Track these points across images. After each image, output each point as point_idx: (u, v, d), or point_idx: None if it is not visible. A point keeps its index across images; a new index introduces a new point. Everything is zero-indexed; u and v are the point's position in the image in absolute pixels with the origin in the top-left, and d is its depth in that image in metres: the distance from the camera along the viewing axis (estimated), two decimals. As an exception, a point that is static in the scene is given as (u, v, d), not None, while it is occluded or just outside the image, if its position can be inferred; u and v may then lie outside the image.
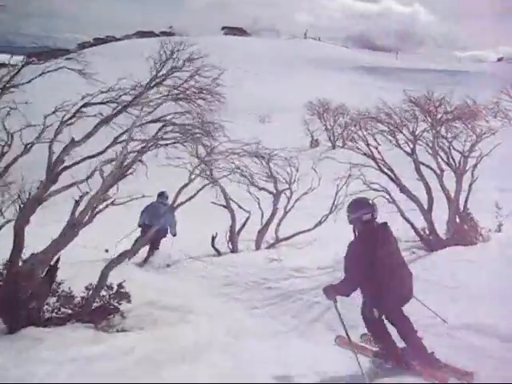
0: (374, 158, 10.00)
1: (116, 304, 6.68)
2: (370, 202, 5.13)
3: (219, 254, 11.25)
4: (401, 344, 5.01)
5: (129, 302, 6.74)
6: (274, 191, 12.54)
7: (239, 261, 10.33)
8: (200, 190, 9.87)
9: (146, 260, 11.08)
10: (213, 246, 11.31)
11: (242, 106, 48.05)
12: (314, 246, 11.30)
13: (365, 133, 10.49)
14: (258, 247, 11.96)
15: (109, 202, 8.04)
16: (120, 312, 6.65)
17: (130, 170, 8.21)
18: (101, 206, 7.91)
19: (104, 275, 6.95)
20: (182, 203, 8.83)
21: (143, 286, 8.66)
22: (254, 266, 9.76)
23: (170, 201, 10.09)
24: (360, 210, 4.98)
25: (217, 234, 11.38)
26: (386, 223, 5.03)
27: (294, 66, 75.67)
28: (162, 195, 11.62)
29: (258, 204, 12.42)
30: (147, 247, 10.95)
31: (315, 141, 33.02)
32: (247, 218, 12.09)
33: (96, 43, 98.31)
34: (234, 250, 11.57)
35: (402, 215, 9.90)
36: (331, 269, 8.93)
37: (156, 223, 9.72)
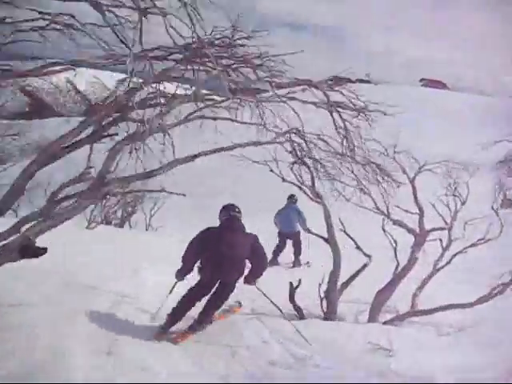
0: None
1: None
2: (236, 209, 6.10)
3: (300, 315, 6.68)
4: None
5: None
6: (417, 229, 7.57)
7: (323, 336, 5.63)
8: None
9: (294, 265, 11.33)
10: (291, 300, 6.72)
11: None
12: (470, 336, 6.09)
13: None
14: (373, 317, 7.07)
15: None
16: None
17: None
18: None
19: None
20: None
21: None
22: (339, 351, 5.07)
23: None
24: (222, 211, 6.15)
25: (300, 281, 6.73)
26: (229, 224, 5.99)
27: (497, 124, 68.24)
28: (291, 198, 11.44)
29: (395, 250, 7.65)
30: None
31: (507, 200, 26.80)
32: (363, 266, 7.27)
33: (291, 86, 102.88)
34: (328, 314, 6.83)
35: None
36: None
37: (287, 228, 11.31)
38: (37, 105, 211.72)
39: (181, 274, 5.87)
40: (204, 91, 5.30)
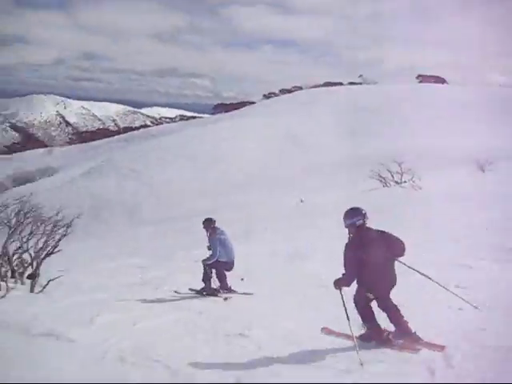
0: None
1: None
2: (363, 211, 6.09)
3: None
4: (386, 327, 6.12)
5: None
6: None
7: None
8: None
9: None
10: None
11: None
12: None
13: None
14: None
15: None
16: None
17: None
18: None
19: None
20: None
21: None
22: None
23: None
24: (355, 217, 6.04)
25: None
26: (370, 228, 6.09)
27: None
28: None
29: None
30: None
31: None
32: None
33: (281, 93, 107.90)
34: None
35: None
36: None
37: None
38: (27, 139, 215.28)
39: (343, 283, 5.96)
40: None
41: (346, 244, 6.05)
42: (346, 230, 6.12)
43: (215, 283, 9.92)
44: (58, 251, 12.23)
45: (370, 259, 5.78)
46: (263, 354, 6.06)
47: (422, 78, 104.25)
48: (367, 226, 6.05)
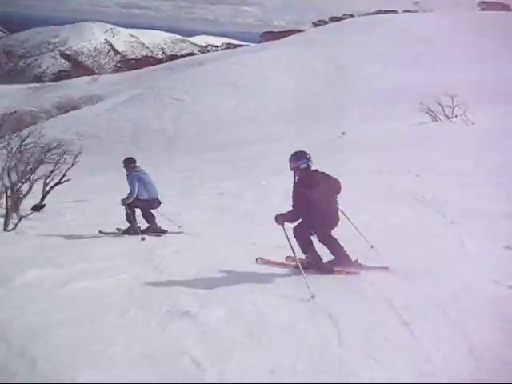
0: None
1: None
2: (307, 155, 6.45)
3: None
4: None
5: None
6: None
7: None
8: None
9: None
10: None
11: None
12: None
13: None
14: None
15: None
16: None
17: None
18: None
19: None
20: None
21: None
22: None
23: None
24: (299, 160, 6.43)
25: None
26: (316, 170, 6.51)
27: None
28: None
29: None
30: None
31: None
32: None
33: (331, 21, 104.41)
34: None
35: None
36: None
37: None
38: (76, 67, 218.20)
39: (286, 218, 6.32)
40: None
41: (293, 185, 6.44)
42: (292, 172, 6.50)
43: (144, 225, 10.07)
44: (67, 181, 11.73)
45: (317, 199, 6.24)
46: (210, 348, 4.35)
47: (485, 6, 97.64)
48: (312, 168, 6.44)
